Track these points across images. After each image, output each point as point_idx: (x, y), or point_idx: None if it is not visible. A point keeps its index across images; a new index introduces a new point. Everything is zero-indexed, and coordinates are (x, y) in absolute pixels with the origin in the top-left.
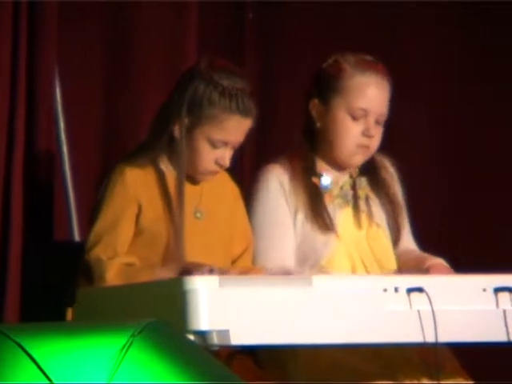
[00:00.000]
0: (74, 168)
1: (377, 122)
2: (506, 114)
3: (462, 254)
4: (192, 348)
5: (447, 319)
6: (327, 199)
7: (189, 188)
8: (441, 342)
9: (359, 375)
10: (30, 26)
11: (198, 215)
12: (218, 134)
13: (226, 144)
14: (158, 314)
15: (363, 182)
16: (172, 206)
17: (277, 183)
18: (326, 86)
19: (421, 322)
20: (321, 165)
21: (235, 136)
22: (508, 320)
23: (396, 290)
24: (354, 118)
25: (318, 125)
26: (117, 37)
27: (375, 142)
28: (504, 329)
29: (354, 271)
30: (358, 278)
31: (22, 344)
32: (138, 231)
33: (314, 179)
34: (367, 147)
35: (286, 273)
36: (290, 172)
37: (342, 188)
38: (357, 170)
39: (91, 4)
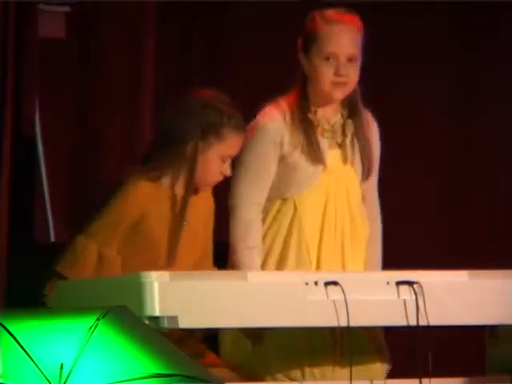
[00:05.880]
0: (49, 181)
1: (349, 61)
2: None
3: None
4: (146, 329)
5: (357, 307)
6: (318, 132)
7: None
8: (352, 326)
9: (303, 353)
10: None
11: (185, 223)
12: (228, 151)
13: (231, 157)
14: (120, 303)
15: (350, 124)
16: (174, 216)
17: (273, 130)
18: (305, 39)
19: (336, 309)
20: (313, 103)
21: (237, 150)
22: (407, 308)
23: (316, 283)
24: (327, 61)
25: (305, 71)
26: (85, 76)
27: (350, 78)
28: (404, 315)
29: (325, 205)
30: (284, 274)
31: (5, 324)
32: (139, 235)
33: (309, 115)
34: (344, 83)
35: None
36: (287, 110)
37: (332, 126)
38: (346, 113)
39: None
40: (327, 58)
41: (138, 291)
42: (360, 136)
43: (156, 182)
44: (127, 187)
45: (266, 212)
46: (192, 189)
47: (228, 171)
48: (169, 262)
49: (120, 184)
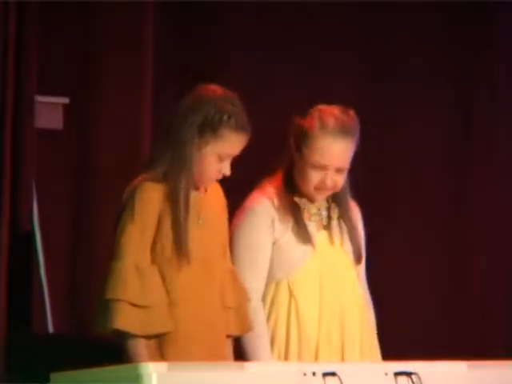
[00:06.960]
0: (48, 271)
1: (337, 171)
2: None
3: None
4: None
5: None
6: (305, 215)
7: (193, 197)
8: None
9: None
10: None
11: (200, 222)
12: (226, 150)
13: (230, 157)
14: None
15: (335, 207)
16: (180, 215)
17: (264, 214)
18: (300, 138)
19: None
20: (297, 190)
21: (237, 149)
22: None
23: (314, 373)
24: (315, 169)
25: (294, 164)
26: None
27: (336, 184)
28: None
29: (321, 286)
30: (282, 365)
31: None
32: (159, 238)
33: (295, 199)
34: (328, 189)
35: None
36: (274, 194)
37: (318, 209)
38: (331, 199)
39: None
40: (315, 166)
41: (136, 382)
42: (346, 219)
43: (162, 183)
44: (140, 193)
45: (263, 298)
46: (191, 186)
47: (227, 171)
48: (182, 259)
49: (130, 193)
